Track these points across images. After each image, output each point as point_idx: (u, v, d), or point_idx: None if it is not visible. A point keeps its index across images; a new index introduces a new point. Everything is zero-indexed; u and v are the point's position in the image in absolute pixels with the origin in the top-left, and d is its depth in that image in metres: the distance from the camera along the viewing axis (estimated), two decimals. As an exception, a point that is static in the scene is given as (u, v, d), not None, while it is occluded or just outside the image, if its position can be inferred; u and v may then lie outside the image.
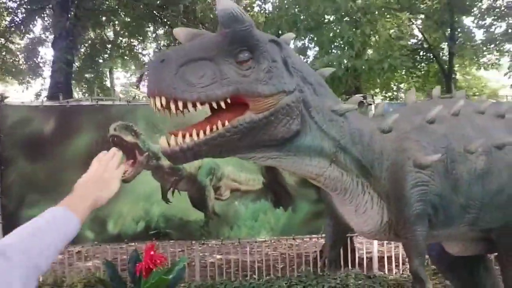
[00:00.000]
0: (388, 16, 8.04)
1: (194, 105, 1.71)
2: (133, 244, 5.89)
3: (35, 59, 13.47)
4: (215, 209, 5.87)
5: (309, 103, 2.06)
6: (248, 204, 5.93)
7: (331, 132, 2.18)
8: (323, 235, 6.02)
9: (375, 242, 6.14)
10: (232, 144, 1.82)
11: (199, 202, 5.86)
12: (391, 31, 8.19)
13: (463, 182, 2.56)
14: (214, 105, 1.75)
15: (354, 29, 6.83)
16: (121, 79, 24.82)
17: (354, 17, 6.99)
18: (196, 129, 1.75)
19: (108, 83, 17.38)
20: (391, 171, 2.44)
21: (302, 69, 2.10)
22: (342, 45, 6.96)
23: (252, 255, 6.20)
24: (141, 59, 16.36)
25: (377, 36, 7.45)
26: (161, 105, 1.70)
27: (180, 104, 1.68)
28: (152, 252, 4.28)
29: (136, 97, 11.46)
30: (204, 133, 1.75)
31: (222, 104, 1.76)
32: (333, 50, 7.22)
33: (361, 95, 2.50)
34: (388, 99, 14.22)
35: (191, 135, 1.74)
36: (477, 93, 15.82)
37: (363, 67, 6.46)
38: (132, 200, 5.76)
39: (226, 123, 1.78)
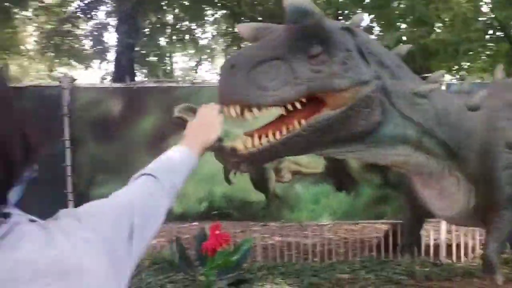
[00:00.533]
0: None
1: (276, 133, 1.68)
2: (196, 223, 6.03)
3: (99, 43, 13.91)
4: (276, 191, 5.87)
5: (388, 89, 1.95)
6: (309, 187, 5.88)
7: (415, 116, 2.06)
8: (387, 220, 5.90)
9: (443, 229, 5.92)
10: (310, 143, 1.76)
11: (260, 184, 5.87)
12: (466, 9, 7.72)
13: None
14: (290, 107, 1.68)
15: (426, 6, 6.50)
16: (179, 63, 25.30)
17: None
18: (272, 129, 1.70)
19: (168, 67, 17.73)
20: (481, 152, 2.31)
21: (378, 52, 1.99)
22: (413, 22, 6.62)
23: (312, 239, 6.15)
24: (200, 43, 16.54)
25: (451, 14, 7.08)
26: (236, 113, 1.66)
27: (255, 111, 1.63)
28: (217, 232, 4.34)
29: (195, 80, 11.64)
30: (280, 133, 1.70)
31: (298, 105, 1.69)
32: (401, 29, 6.90)
33: (441, 71, 2.33)
34: (454, 79, 13.61)
35: (267, 136, 1.69)
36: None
37: (437, 47, 6.14)
38: (196, 181, 5.84)
39: (303, 121, 1.72)
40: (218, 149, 6.34)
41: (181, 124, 5.76)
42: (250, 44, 1.82)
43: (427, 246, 6.05)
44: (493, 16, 12.32)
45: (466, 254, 5.97)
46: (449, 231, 6.10)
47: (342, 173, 5.87)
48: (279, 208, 5.86)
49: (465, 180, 2.34)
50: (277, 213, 5.87)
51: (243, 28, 1.96)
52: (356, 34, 1.90)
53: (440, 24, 7.34)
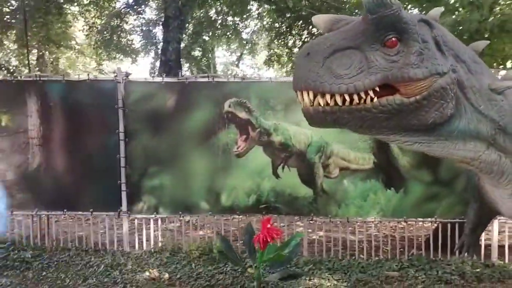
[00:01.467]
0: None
1: (343, 98, 1.68)
2: (244, 216, 6.13)
3: (147, 38, 14.24)
4: (323, 187, 5.89)
5: (463, 84, 1.95)
6: (357, 183, 5.87)
7: (490, 113, 2.05)
8: (437, 219, 5.82)
9: (495, 229, 5.80)
10: (376, 122, 1.77)
11: (308, 179, 5.91)
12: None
13: None
14: (363, 94, 1.71)
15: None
16: (220, 57, 25.55)
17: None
18: (344, 97, 1.72)
19: (211, 62, 17.94)
20: None
21: (454, 46, 1.99)
22: (468, 6, 6.38)
23: (358, 235, 6.14)
24: (243, 38, 16.66)
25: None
26: (309, 99, 1.70)
27: (328, 97, 1.67)
28: (268, 225, 4.40)
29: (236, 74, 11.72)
30: (351, 102, 1.73)
31: (371, 93, 1.72)
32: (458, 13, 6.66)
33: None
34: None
35: (336, 101, 1.72)
36: None
37: (493, 30, 5.87)
38: (245, 175, 5.95)
39: (375, 99, 1.75)
40: (267, 143, 6.41)
41: (231, 119, 5.89)
42: (326, 34, 1.87)
43: (479, 246, 5.95)
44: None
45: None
46: (501, 232, 5.97)
47: (391, 170, 5.82)
48: (326, 203, 5.88)
49: None
50: (324, 208, 5.89)
51: (319, 19, 2.00)
52: (433, 26, 1.92)
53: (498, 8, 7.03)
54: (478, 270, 5.36)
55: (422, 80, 1.79)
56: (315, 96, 1.71)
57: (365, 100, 1.74)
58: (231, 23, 15.02)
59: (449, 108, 1.88)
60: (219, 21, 14.80)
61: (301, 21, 12.16)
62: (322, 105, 1.74)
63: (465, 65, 2.00)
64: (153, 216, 6.14)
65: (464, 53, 2.03)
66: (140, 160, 6.09)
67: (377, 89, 1.74)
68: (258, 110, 5.89)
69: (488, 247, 5.86)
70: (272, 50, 15.40)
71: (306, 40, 12.56)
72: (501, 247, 5.89)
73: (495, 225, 5.79)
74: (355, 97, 1.73)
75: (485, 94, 2.05)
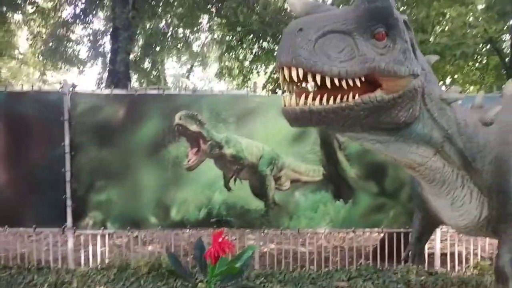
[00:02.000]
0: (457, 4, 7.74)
1: (331, 80, 1.65)
2: (195, 230, 6.05)
3: (94, 49, 13.91)
4: (275, 199, 5.93)
5: (424, 89, 2.04)
6: (308, 195, 5.95)
7: (441, 121, 2.15)
8: (383, 229, 5.98)
9: (438, 238, 6.03)
10: (357, 120, 1.78)
11: (259, 192, 5.93)
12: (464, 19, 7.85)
13: None
14: (350, 82, 1.71)
15: (426, 13, 6.66)
16: (170, 70, 25.36)
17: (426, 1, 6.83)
18: (328, 95, 1.71)
19: (160, 74, 17.74)
20: (494, 165, 2.39)
21: (418, 54, 2.08)
22: (414, 28, 6.76)
23: (308, 246, 6.21)
24: (194, 50, 16.60)
25: (450, 24, 7.24)
26: (297, 76, 1.63)
27: (318, 78, 1.63)
28: (220, 239, 4.37)
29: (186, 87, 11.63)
30: (334, 100, 1.72)
31: (357, 82, 1.73)
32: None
33: (457, 87, 2.43)
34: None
35: (321, 99, 1.71)
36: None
37: (435, 50, 6.25)
38: (195, 188, 5.90)
39: (357, 96, 1.76)
40: (219, 156, 6.38)
41: (182, 131, 5.83)
42: (316, 14, 1.83)
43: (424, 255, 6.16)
44: (484, 29, 12.63)
45: (460, 263, 6.07)
46: (443, 240, 6.22)
47: (340, 182, 5.95)
48: (278, 215, 5.92)
49: (478, 192, 2.41)
50: (275, 220, 5.93)
51: (297, 2, 1.98)
52: (410, 28, 1.98)
53: (439, 31, 7.49)
54: (422, 278, 5.54)
55: (403, 77, 1.84)
56: (305, 75, 1.64)
57: (347, 98, 1.73)
58: (181, 35, 14.94)
59: (416, 110, 1.96)
60: (170, 33, 14.69)
61: (252, 35, 12.27)
62: (308, 98, 1.69)
63: (425, 73, 2.09)
64: (100, 231, 5.95)
65: (424, 61, 2.13)
66: (86, 174, 5.91)
67: (363, 79, 1.76)
68: (209, 122, 5.87)
69: (431, 255, 6.07)
70: (223, 63, 15.42)
71: (257, 53, 12.68)
72: (443, 255, 6.13)
73: (437, 234, 6.02)
74: (343, 83, 1.72)
75: (437, 103, 2.15)
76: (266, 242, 7.00)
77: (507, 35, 12.01)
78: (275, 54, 12.75)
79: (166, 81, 15.21)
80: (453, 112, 2.24)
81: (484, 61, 13.35)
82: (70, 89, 5.89)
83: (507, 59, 12.15)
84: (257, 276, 5.63)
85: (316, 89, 1.80)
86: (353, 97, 1.75)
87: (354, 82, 1.72)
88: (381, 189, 5.92)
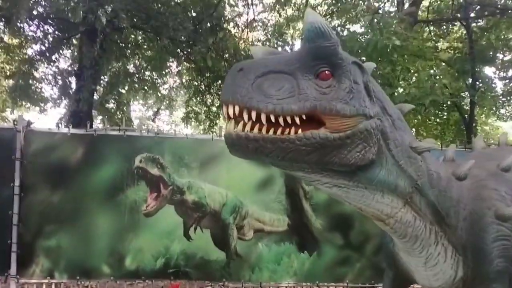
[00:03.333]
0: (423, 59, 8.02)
1: (268, 118, 1.63)
2: (150, 281, 5.68)
3: (58, 87, 13.60)
4: (237, 250, 5.65)
5: (387, 135, 1.94)
6: (271, 246, 5.71)
7: (409, 170, 2.03)
8: (348, 283, 5.77)
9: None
10: (298, 155, 1.70)
11: (221, 241, 5.65)
12: (431, 71, 8.14)
13: None
14: (288, 119, 1.65)
15: (391, 69, 6.82)
16: (136, 112, 25.08)
17: (390, 58, 7.02)
18: (268, 126, 1.65)
19: (126, 115, 17.47)
20: (469, 222, 2.26)
21: (382, 98, 1.99)
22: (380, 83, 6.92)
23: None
24: (161, 93, 16.50)
25: (415, 76, 7.45)
26: (234, 114, 1.64)
27: (254, 114, 1.61)
28: (176, 293, 4.09)
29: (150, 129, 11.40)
30: (275, 132, 1.65)
31: (297, 120, 1.66)
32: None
33: (431, 139, 2.34)
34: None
35: (260, 129, 1.64)
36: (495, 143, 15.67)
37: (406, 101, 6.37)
38: (153, 235, 5.57)
39: (299, 131, 1.68)
40: (180, 202, 6.09)
41: (142, 175, 5.57)
42: (264, 57, 1.82)
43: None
44: (444, 86, 13.10)
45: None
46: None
47: (305, 232, 5.75)
48: (239, 267, 5.63)
49: (452, 250, 2.26)
50: (237, 272, 5.62)
51: (256, 49, 1.99)
52: (365, 71, 1.91)
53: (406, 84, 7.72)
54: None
55: (348, 117, 1.76)
56: (241, 111, 1.63)
57: (289, 131, 1.68)
58: (149, 78, 14.84)
59: (371, 152, 1.84)
60: (137, 75, 14.58)
61: (219, 81, 12.30)
62: (246, 126, 1.65)
63: (390, 119, 1.99)
64: (46, 281, 5.49)
65: (391, 108, 2.04)
66: (36, 217, 5.50)
67: (304, 117, 1.67)
68: (171, 167, 5.64)
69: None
70: (190, 107, 15.35)
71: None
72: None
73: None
74: (280, 120, 1.65)
75: (406, 151, 2.03)
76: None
77: (467, 93, 12.52)
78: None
79: (131, 123, 14.93)
80: (424, 162, 2.12)
81: (445, 117, 13.84)
82: (25, 126, 5.58)
83: (466, 116, 12.60)
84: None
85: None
86: (295, 131, 1.70)
87: (293, 120, 1.68)
88: (347, 241, 5.76)
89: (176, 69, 14.74)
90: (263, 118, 1.63)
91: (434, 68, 8.03)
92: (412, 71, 7.45)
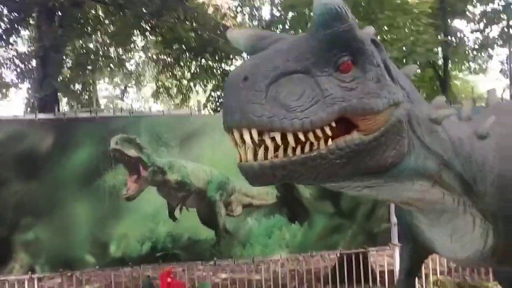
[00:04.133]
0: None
1: (296, 136, 1.32)
2: (138, 267, 5.46)
3: (20, 71, 12.89)
4: (226, 227, 5.46)
5: (410, 116, 1.67)
6: (261, 220, 5.54)
7: (434, 146, 1.78)
8: (341, 250, 5.69)
9: (396, 254, 5.80)
10: (332, 171, 1.42)
11: (209, 220, 5.44)
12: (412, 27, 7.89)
13: None
14: (319, 132, 1.36)
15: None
16: (103, 91, 24.31)
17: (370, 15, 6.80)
18: (292, 143, 1.35)
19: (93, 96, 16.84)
20: (498, 186, 2.07)
21: (396, 71, 1.72)
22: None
23: (261, 273, 5.79)
24: (128, 70, 15.92)
25: (397, 34, 7.25)
26: (253, 140, 1.30)
27: (278, 137, 1.30)
28: (169, 279, 3.90)
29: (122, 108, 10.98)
30: (302, 150, 1.36)
31: (328, 130, 1.37)
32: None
33: (442, 97, 2.11)
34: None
35: (286, 150, 1.34)
36: (465, 98, 15.81)
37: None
38: (136, 220, 5.32)
39: (330, 142, 1.39)
40: (162, 183, 5.83)
41: (119, 158, 5.26)
42: (260, 53, 1.45)
43: (382, 273, 5.93)
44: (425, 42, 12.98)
45: (420, 280, 5.86)
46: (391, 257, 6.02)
47: (295, 203, 5.60)
48: (230, 244, 5.45)
49: (482, 218, 2.08)
50: (227, 250, 5.45)
51: (236, 34, 1.66)
52: (381, 47, 1.61)
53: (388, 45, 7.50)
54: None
55: (382, 112, 1.47)
56: (260, 135, 1.30)
57: (318, 145, 1.38)
58: (114, 54, 14.22)
59: (405, 145, 1.59)
60: (101, 53, 13.94)
61: (189, 53, 11.85)
62: (269, 152, 1.33)
63: (405, 93, 1.71)
64: (27, 276, 5.20)
65: (403, 78, 1.77)
66: (9, 210, 5.15)
67: (333, 124, 1.39)
68: (149, 146, 5.34)
69: (390, 273, 5.84)
70: (159, 82, 14.85)
71: (195, 71, 12.26)
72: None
73: (396, 250, 5.79)
74: (311, 136, 1.34)
75: (427, 126, 1.79)
76: (217, 272, 6.50)
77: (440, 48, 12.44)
78: (214, 71, 12.41)
79: (99, 103, 14.38)
80: (445, 131, 1.90)
81: (420, 74, 13.78)
82: (-13, 116, 5.17)
83: (440, 71, 12.55)
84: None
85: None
86: (325, 143, 1.39)
87: (323, 130, 1.38)
88: (337, 209, 5.64)
89: (141, 43, 14.16)
90: (290, 139, 1.32)
91: (413, 25, 7.81)
92: (393, 27, 7.23)
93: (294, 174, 1.36)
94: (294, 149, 1.35)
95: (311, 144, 1.37)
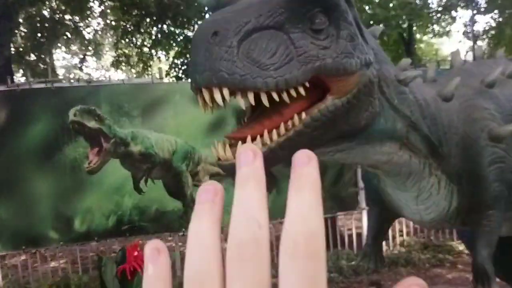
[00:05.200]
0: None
1: (269, 96, 1.20)
2: (105, 241, 5.35)
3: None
4: (193, 197, 5.35)
5: (379, 76, 1.60)
6: (230, 188, 5.18)
7: (402, 107, 1.72)
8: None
9: (364, 217, 5.88)
10: (311, 142, 1.31)
11: (176, 191, 5.34)
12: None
13: None
14: (293, 92, 1.24)
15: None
16: (60, 61, 23.41)
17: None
18: (268, 129, 1.24)
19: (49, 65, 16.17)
20: (462, 147, 2.04)
21: (362, 28, 1.63)
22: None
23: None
24: (86, 38, 15.30)
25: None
26: (224, 99, 1.18)
27: (251, 97, 1.19)
28: (136, 253, 3.82)
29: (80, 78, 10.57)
30: (278, 133, 1.25)
31: (302, 90, 1.26)
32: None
33: (407, 59, 2.04)
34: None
35: (262, 137, 1.23)
36: (429, 60, 16.04)
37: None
38: (101, 193, 5.16)
39: (304, 115, 1.29)
40: (125, 155, 5.64)
41: (79, 130, 5.04)
42: (229, 7, 1.32)
43: (350, 236, 6.01)
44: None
45: (387, 242, 5.98)
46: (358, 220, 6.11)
47: (262, 171, 5.54)
48: (198, 214, 5.38)
49: (446, 180, 2.06)
50: (196, 220, 5.37)
51: None
52: (352, 4, 1.52)
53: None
54: (353, 262, 5.35)
55: (354, 73, 1.38)
56: (232, 94, 1.19)
57: (292, 123, 1.28)
58: (69, 22, 13.59)
59: (376, 105, 1.52)
60: (56, 20, 13.29)
61: (149, 19, 11.44)
62: (248, 141, 1.19)
63: (373, 52, 1.63)
64: (-12, 255, 5.02)
65: (371, 39, 1.68)
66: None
67: (307, 84, 1.28)
68: (110, 117, 5.13)
69: (358, 236, 5.93)
70: (119, 51, 14.34)
71: (156, 38, 11.88)
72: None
73: (363, 214, 5.87)
74: (285, 96, 1.24)
75: (395, 87, 1.72)
76: (186, 242, 6.42)
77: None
78: (176, 37, 12.06)
79: (56, 74, 13.80)
80: (412, 93, 1.84)
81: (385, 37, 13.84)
82: None
83: (405, 34, 12.64)
84: (180, 284, 5.07)
85: (247, 119, 1.33)
86: (299, 117, 1.30)
87: (297, 91, 1.27)
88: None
89: (99, 9, 13.57)
90: (264, 99, 1.20)
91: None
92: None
93: (275, 161, 1.27)
94: (270, 135, 1.26)
95: (286, 123, 1.27)
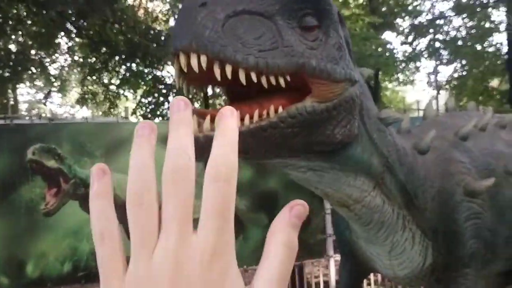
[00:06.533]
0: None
1: (247, 76, 1.17)
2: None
3: None
4: (156, 242, 5.14)
5: (361, 104, 1.56)
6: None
7: (381, 145, 1.68)
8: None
9: (332, 267, 5.75)
10: (283, 141, 1.28)
11: (137, 235, 5.09)
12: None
13: (507, 210, 2.18)
14: (273, 80, 1.21)
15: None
16: (24, 95, 22.88)
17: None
18: (242, 113, 1.19)
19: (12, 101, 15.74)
20: (438, 201, 1.99)
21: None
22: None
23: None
24: (51, 74, 15.03)
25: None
26: (200, 66, 1.14)
27: (229, 70, 1.14)
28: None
29: (44, 115, 10.24)
30: (251, 119, 1.20)
31: (282, 81, 1.23)
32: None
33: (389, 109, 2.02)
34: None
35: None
36: (394, 108, 16.52)
37: None
38: (56, 237, 4.86)
39: (280, 109, 1.25)
40: (85, 196, 5.39)
41: (37, 169, 4.78)
42: None
43: (317, 284, 5.86)
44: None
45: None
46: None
47: (229, 216, 5.38)
48: (160, 261, 5.13)
49: (421, 235, 2.00)
50: (157, 267, 5.12)
51: None
52: (344, 24, 1.52)
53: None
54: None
55: (337, 82, 1.36)
56: (209, 62, 1.13)
57: (267, 112, 1.24)
58: (35, 57, 13.34)
59: (355, 126, 1.49)
60: (22, 55, 13.02)
61: (118, 57, 11.35)
62: (205, 124, 1.15)
63: (360, 84, 1.60)
64: None
65: (357, 71, 1.65)
66: None
67: (288, 78, 1.25)
68: (71, 157, 4.90)
69: (326, 284, 5.78)
70: (85, 88, 14.13)
71: (124, 76, 11.76)
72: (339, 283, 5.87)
73: (331, 262, 5.73)
74: (263, 80, 1.19)
75: (376, 123, 1.69)
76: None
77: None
78: (145, 76, 11.97)
79: (17, 109, 13.37)
80: (391, 135, 1.80)
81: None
82: None
83: (372, 82, 12.97)
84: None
85: (224, 103, 1.31)
86: (275, 111, 1.26)
87: (277, 80, 1.24)
88: (272, 220, 5.47)
89: (66, 45, 13.41)
90: (242, 75, 1.16)
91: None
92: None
93: (242, 147, 1.17)
94: (242, 119, 1.20)
95: (260, 113, 1.23)
